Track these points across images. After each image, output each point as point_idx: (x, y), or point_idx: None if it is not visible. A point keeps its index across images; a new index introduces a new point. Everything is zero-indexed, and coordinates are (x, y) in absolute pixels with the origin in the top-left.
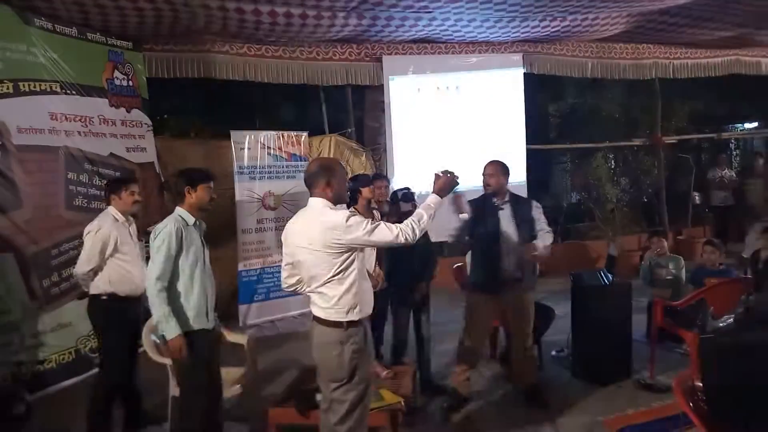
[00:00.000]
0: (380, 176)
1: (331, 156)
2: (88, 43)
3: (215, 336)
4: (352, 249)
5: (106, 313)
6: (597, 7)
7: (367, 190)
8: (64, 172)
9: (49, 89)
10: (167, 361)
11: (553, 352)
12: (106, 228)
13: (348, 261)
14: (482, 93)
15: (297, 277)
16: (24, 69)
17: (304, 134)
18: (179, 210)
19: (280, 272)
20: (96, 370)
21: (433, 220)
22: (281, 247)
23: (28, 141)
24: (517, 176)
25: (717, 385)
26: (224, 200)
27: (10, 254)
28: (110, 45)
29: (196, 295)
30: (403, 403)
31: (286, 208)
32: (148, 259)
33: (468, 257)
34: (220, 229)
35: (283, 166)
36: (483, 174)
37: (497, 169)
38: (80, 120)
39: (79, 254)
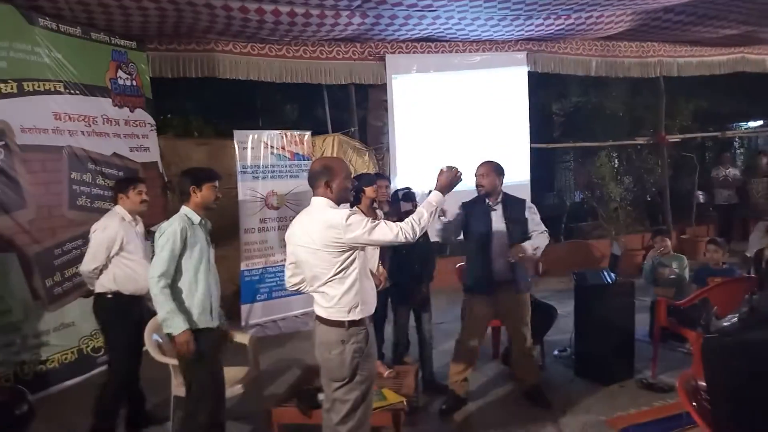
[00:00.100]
0: (381, 176)
1: (335, 155)
2: (92, 43)
3: (220, 334)
4: (352, 248)
5: (111, 311)
6: (601, 5)
7: (370, 190)
8: (68, 171)
9: (53, 89)
10: (170, 361)
11: (556, 352)
12: (113, 227)
13: (349, 260)
14: (486, 92)
15: (300, 277)
16: (28, 69)
17: (308, 133)
18: (185, 209)
19: (282, 272)
20: (98, 369)
21: (435, 217)
22: (284, 246)
23: (31, 141)
24: (521, 175)
25: (720, 385)
26: (228, 200)
27: (13, 254)
28: (114, 45)
29: (200, 294)
30: (405, 403)
31: (289, 207)
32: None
33: None
34: (226, 229)
35: (286, 166)
36: (475, 174)
37: (490, 170)
38: (84, 120)
39: (82, 254)
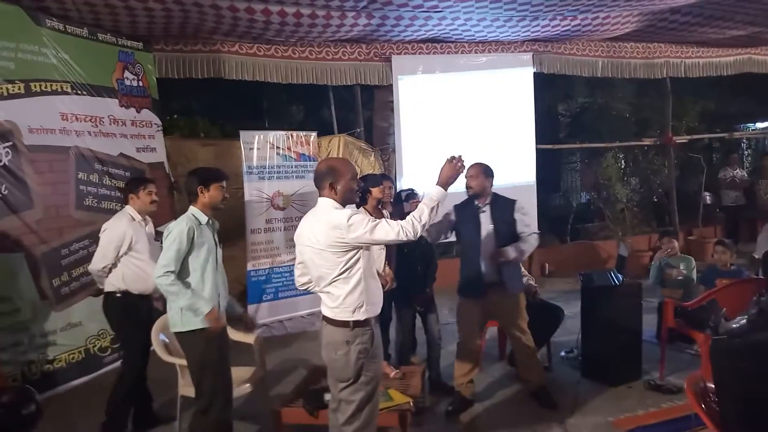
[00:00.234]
0: (386, 177)
1: (340, 156)
2: (99, 44)
3: (240, 317)
4: (356, 248)
5: (120, 310)
6: (608, 6)
7: (377, 190)
8: (75, 172)
9: (60, 89)
10: (177, 361)
11: (563, 353)
12: (122, 226)
13: (353, 260)
14: (492, 93)
15: (308, 277)
16: (35, 69)
17: (313, 134)
18: (192, 209)
19: (288, 272)
20: (105, 369)
21: (437, 213)
22: (290, 247)
23: (39, 141)
24: (527, 176)
25: (729, 387)
26: (235, 200)
27: (20, 254)
28: (120, 45)
29: (207, 293)
30: (411, 404)
31: (295, 208)
32: None
33: None
34: (233, 229)
35: (292, 166)
36: (465, 176)
37: (479, 171)
38: (90, 120)
39: (89, 254)
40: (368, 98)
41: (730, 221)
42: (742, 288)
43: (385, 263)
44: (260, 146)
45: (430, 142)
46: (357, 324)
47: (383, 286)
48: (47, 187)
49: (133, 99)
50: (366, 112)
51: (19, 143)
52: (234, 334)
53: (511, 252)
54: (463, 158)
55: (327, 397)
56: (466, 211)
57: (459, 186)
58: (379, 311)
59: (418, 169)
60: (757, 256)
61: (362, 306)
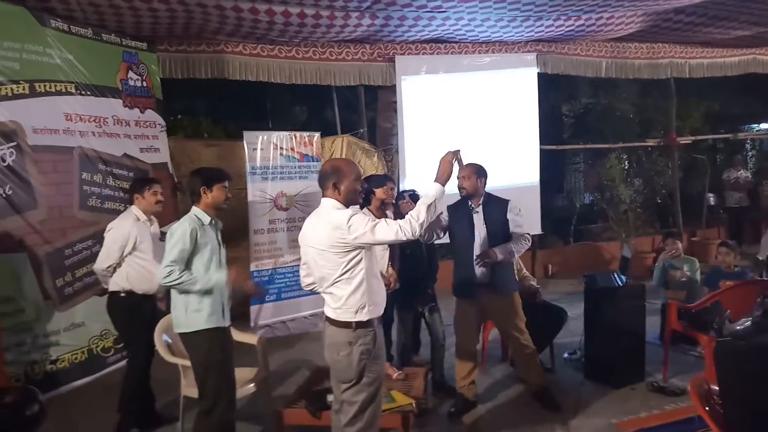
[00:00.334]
0: (388, 177)
1: (344, 156)
2: (103, 44)
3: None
4: (358, 248)
5: (124, 309)
6: (612, 6)
7: (380, 191)
8: (78, 172)
9: (64, 90)
10: (180, 361)
11: (566, 354)
12: (127, 226)
13: (355, 260)
14: (495, 93)
15: (313, 277)
16: (40, 70)
17: (317, 135)
18: (195, 210)
19: (291, 273)
20: (108, 369)
21: (435, 210)
22: (293, 247)
23: (43, 141)
24: (531, 176)
25: (733, 389)
26: (238, 201)
27: (24, 254)
28: (125, 46)
29: (211, 294)
30: (414, 405)
31: (298, 208)
32: None
33: None
34: (237, 230)
35: (295, 167)
36: (458, 177)
37: (471, 172)
38: (94, 120)
39: (93, 254)
40: (371, 99)
41: (734, 222)
42: (746, 290)
43: (388, 264)
44: (263, 147)
45: (433, 142)
46: (360, 325)
47: (386, 287)
48: (51, 188)
49: (136, 99)
50: (369, 113)
51: (23, 143)
52: (237, 335)
53: (498, 253)
54: (458, 153)
55: (330, 398)
56: (459, 211)
57: (452, 187)
58: (382, 312)
59: (421, 169)
60: (761, 258)
61: (365, 307)
